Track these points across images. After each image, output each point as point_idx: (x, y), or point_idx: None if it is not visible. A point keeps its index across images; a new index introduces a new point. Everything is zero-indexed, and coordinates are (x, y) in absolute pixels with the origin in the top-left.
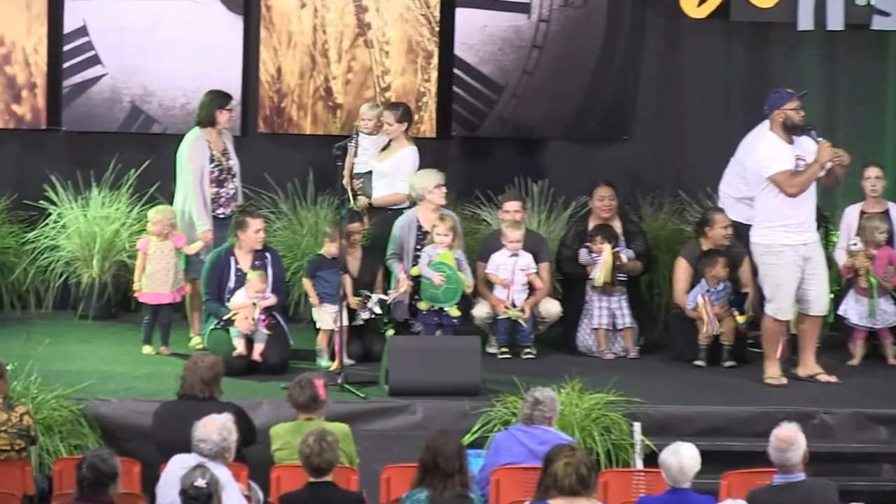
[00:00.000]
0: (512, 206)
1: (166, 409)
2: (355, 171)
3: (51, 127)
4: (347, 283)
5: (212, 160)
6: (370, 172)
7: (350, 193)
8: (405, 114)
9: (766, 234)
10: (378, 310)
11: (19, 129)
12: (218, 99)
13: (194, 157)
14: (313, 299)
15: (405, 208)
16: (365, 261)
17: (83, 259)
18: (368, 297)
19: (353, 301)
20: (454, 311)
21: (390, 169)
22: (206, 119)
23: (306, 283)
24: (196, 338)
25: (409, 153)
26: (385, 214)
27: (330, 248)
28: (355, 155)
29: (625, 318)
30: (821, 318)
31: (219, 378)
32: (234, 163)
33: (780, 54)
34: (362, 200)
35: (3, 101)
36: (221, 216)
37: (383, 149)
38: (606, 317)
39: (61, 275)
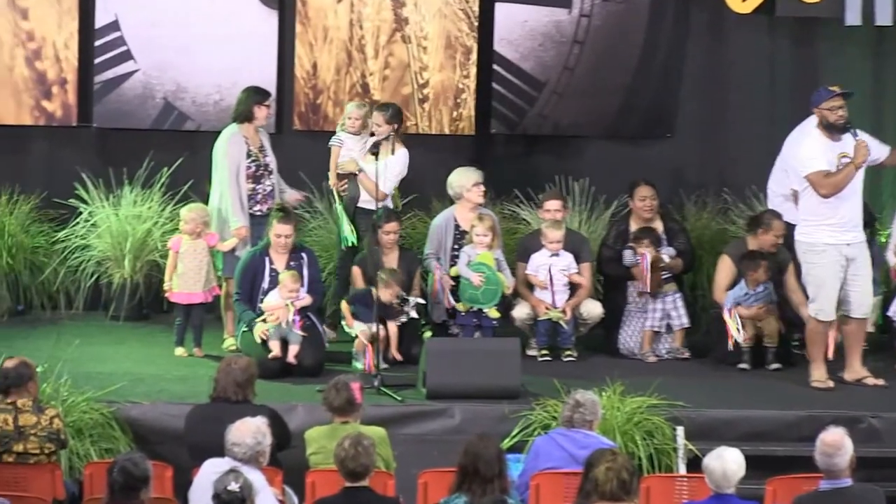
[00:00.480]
0: (553, 205)
1: (199, 412)
2: (339, 171)
3: (82, 124)
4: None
5: (248, 156)
6: (355, 175)
7: (336, 194)
8: (395, 115)
9: (809, 232)
10: (415, 313)
11: (50, 125)
12: (256, 95)
13: (231, 152)
14: (348, 320)
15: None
16: (401, 261)
17: (114, 259)
18: (406, 301)
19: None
20: (493, 313)
21: (381, 170)
22: (243, 115)
23: (344, 307)
24: (229, 339)
25: (401, 156)
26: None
27: (383, 294)
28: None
29: (681, 319)
30: (864, 321)
31: (253, 380)
32: (271, 159)
33: (826, 50)
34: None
35: (33, 97)
36: (258, 213)
37: (373, 151)
38: (660, 319)
39: (92, 275)
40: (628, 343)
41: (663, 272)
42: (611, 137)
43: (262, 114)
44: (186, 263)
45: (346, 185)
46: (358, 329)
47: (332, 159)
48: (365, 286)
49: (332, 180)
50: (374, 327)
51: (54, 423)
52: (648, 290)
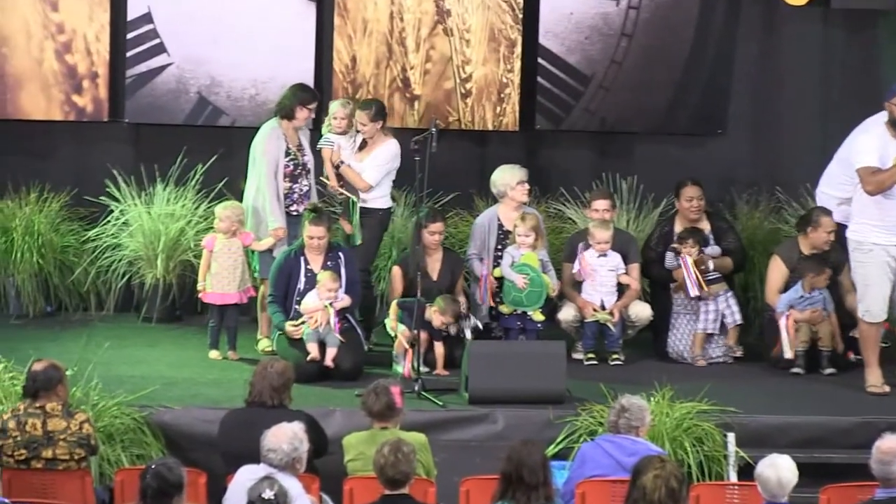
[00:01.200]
0: (601, 204)
1: (233, 417)
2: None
3: (113, 119)
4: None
5: (287, 154)
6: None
7: (335, 191)
8: (379, 112)
9: (859, 230)
10: (469, 334)
11: (80, 121)
12: (302, 94)
13: (269, 149)
14: (392, 321)
15: (383, 209)
16: (445, 263)
17: (147, 258)
18: (467, 317)
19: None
20: (538, 316)
21: (367, 161)
22: (284, 111)
23: (393, 308)
24: (264, 340)
25: (390, 145)
26: (378, 215)
27: (435, 319)
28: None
29: (734, 316)
30: None
31: (289, 385)
32: (309, 159)
33: (884, 42)
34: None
35: (63, 91)
36: (294, 213)
37: (361, 148)
38: (713, 321)
39: (123, 275)
40: (677, 346)
41: (708, 273)
42: (660, 134)
43: (303, 116)
44: (220, 263)
45: (343, 187)
46: (400, 330)
47: (326, 161)
48: (404, 287)
49: (332, 182)
50: (415, 332)
51: (84, 428)
52: (698, 293)
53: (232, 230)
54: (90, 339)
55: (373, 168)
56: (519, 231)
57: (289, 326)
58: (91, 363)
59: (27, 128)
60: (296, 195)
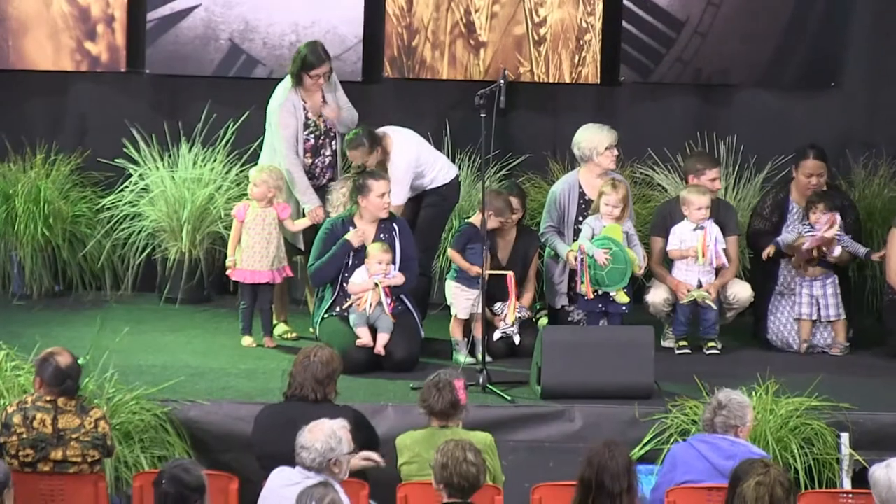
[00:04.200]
0: (714, 173)
1: (270, 413)
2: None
3: (132, 69)
4: (487, 260)
5: (306, 125)
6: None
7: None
8: (372, 140)
9: None
10: (517, 336)
11: (94, 71)
12: (310, 57)
13: (286, 122)
14: (467, 266)
15: (447, 183)
16: (518, 243)
17: (170, 230)
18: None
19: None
20: (622, 297)
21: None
22: (293, 75)
23: (454, 255)
24: (281, 325)
25: (397, 156)
26: (441, 191)
27: (488, 220)
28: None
29: (829, 310)
30: None
31: (335, 376)
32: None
33: None
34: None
35: (74, 38)
36: (315, 187)
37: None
38: (808, 305)
39: (143, 249)
40: (781, 333)
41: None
42: (763, 87)
43: (310, 83)
44: (252, 236)
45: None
46: (460, 298)
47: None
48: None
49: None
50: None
51: (100, 427)
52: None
53: (268, 197)
54: (105, 324)
55: (395, 185)
56: (608, 200)
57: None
58: (106, 351)
59: (33, 80)
60: (318, 169)
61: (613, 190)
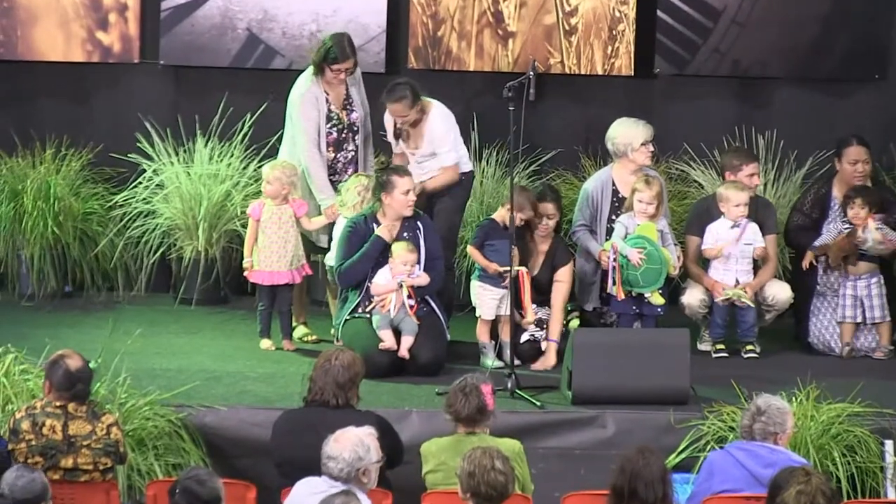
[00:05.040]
0: (752, 168)
1: (290, 419)
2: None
3: (145, 60)
4: (516, 258)
5: (329, 118)
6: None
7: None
8: (415, 94)
9: None
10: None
11: (106, 62)
12: (334, 49)
13: (308, 114)
14: (485, 264)
15: (464, 173)
16: (550, 253)
17: (185, 228)
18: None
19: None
20: (657, 298)
21: (436, 145)
22: (316, 66)
23: (473, 253)
24: (301, 327)
25: (436, 112)
26: (460, 181)
27: (506, 215)
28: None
29: (873, 311)
30: None
31: (357, 380)
32: (358, 115)
33: None
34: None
35: (85, 27)
36: (336, 183)
37: (398, 137)
38: (851, 307)
39: (157, 248)
40: (823, 335)
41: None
42: (804, 79)
43: (331, 77)
44: (269, 235)
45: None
46: (485, 298)
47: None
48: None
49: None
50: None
51: (112, 433)
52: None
53: (282, 195)
54: (117, 326)
55: (442, 146)
56: (641, 197)
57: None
58: (118, 354)
59: (42, 71)
60: (339, 164)
61: (647, 186)
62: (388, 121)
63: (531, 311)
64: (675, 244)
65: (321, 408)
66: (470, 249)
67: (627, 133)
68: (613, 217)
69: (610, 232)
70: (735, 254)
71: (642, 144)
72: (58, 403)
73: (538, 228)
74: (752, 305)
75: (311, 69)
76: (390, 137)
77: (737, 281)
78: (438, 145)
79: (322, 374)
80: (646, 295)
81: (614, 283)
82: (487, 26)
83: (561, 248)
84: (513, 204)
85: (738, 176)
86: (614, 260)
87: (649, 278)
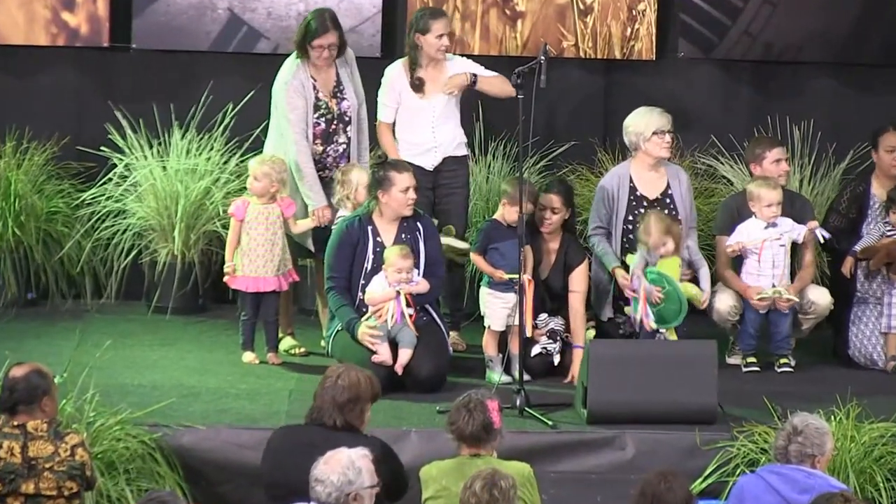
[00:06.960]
0: (778, 153)
1: (285, 434)
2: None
3: (116, 44)
4: (528, 259)
5: (316, 107)
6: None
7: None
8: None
9: None
10: (556, 354)
11: (73, 46)
12: (314, 23)
13: (293, 103)
14: (490, 271)
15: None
16: (560, 255)
17: (160, 229)
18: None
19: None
20: (672, 335)
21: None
22: (298, 47)
23: (476, 259)
24: (287, 339)
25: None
26: (467, 164)
27: (508, 213)
28: None
29: None
30: None
31: (361, 404)
32: (350, 104)
33: None
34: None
35: (49, 7)
36: (325, 180)
37: (417, 89)
38: (889, 317)
39: (129, 251)
40: (865, 347)
41: None
42: (843, 64)
43: (315, 55)
44: (254, 237)
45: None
46: (493, 307)
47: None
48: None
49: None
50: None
51: (77, 455)
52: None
53: (270, 193)
54: (85, 337)
55: (477, 66)
56: (651, 241)
57: (364, 329)
58: (86, 368)
59: (1, 56)
60: (329, 159)
61: (656, 226)
62: (400, 76)
63: (530, 326)
64: (705, 265)
65: (318, 428)
66: (473, 257)
67: (639, 123)
68: (631, 218)
69: (626, 234)
70: (768, 257)
71: (654, 133)
72: (14, 423)
73: (542, 224)
74: (798, 300)
75: (294, 53)
76: (400, 99)
77: (773, 286)
78: (471, 66)
79: (321, 392)
80: (661, 330)
81: (636, 310)
82: (494, 6)
83: (573, 246)
84: (521, 202)
85: (764, 165)
86: (634, 290)
87: (668, 316)
